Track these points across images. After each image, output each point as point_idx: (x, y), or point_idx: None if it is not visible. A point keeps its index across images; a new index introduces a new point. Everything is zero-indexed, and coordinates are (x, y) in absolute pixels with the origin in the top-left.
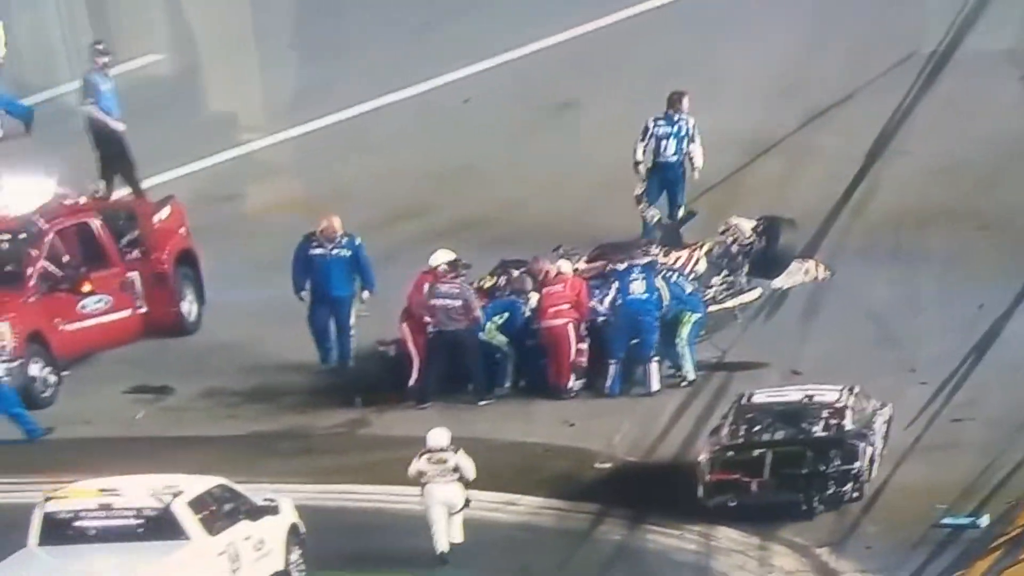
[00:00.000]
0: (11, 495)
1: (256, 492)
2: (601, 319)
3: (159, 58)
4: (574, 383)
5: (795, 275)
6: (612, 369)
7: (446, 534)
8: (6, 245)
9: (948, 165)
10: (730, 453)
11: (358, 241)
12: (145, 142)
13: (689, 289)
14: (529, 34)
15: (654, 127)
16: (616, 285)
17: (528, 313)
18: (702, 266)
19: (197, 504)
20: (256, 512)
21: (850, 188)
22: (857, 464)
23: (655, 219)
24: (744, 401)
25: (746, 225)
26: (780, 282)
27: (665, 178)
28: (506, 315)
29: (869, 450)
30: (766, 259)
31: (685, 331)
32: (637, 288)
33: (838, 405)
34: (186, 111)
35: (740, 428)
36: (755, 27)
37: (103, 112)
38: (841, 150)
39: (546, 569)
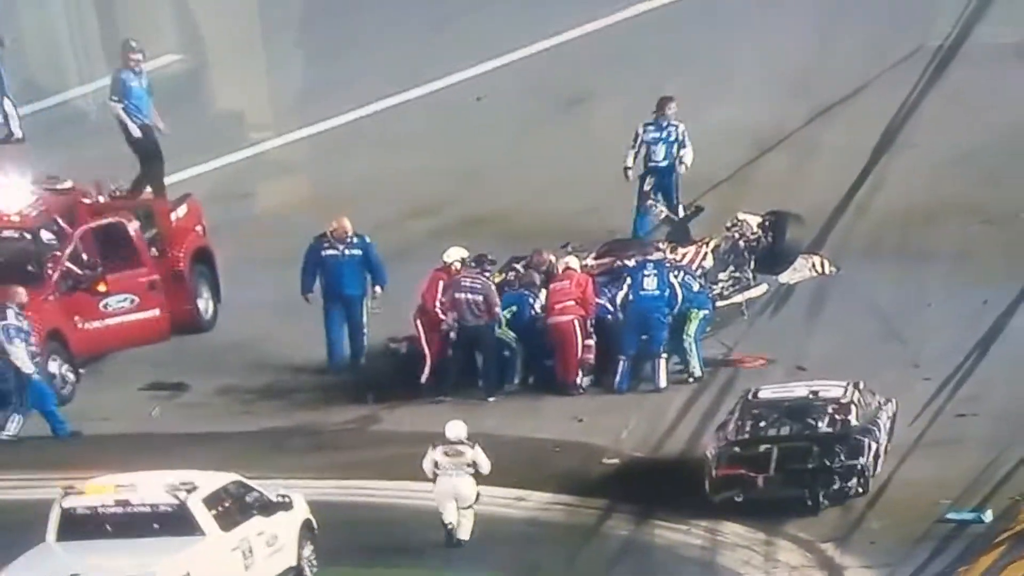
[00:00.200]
0: (30, 491)
1: (270, 488)
2: (610, 315)
3: (175, 58)
4: (582, 379)
5: (801, 271)
6: (622, 365)
7: (456, 518)
8: (26, 244)
9: (955, 159)
10: (736, 449)
11: (368, 240)
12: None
13: (696, 286)
14: (540, 31)
15: (644, 133)
16: (628, 281)
17: (536, 309)
18: (709, 262)
19: (212, 500)
20: (269, 508)
21: (856, 183)
22: (862, 459)
23: (662, 216)
24: (750, 397)
25: (753, 221)
26: (786, 277)
27: (657, 183)
28: (514, 309)
29: (874, 446)
30: (772, 255)
31: (692, 328)
32: (649, 284)
33: (843, 401)
34: (198, 111)
35: (746, 424)
36: (763, 23)
37: (133, 110)
38: (848, 145)
39: (554, 564)
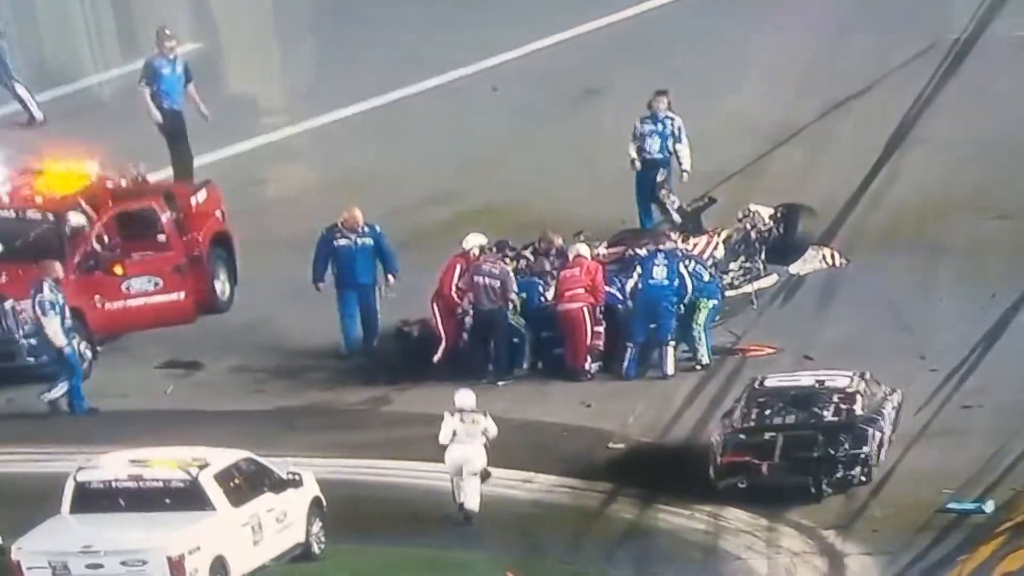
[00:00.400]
0: (47, 464)
1: (280, 466)
2: (620, 304)
3: (193, 47)
4: (591, 365)
5: (811, 262)
6: (629, 352)
7: (466, 490)
8: (49, 225)
9: (968, 154)
10: (742, 436)
11: (379, 229)
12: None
13: (707, 276)
14: (555, 23)
15: (641, 126)
16: (639, 270)
17: (545, 297)
18: (720, 252)
19: (223, 476)
20: (280, 485)
21: (869, 177)
22: (866, 449)
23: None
24: (757, 385)
25: (765, 212)
26: (796, 268)
27: (654, 176)
28: (523, 295)
29: (878, 435)
30: (783, 246)
31: (702, 316)
32: (659, 274)
33: (849, 390)
34: (214, 98)
35: (752, 412)
36: (777, 16)
37: (163, 95)
38: (862, 139)
39: (559, 545)
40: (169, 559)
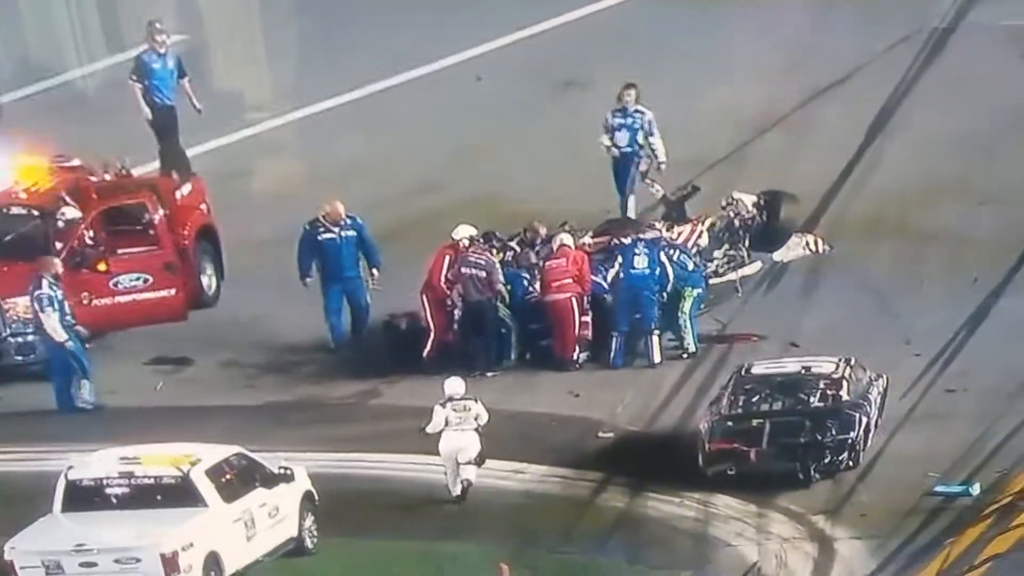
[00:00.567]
0: (36, 464)
1: (271, 460)
2: (606, 294)
3: (178, 38)
4: (579, 355)
5: (795, 249)
6: (615, 342)
7: (459, 479)
8: (34, 221)
9: (949, 140)
10: (729, 423)
11: (360, 221)
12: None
13: (691, 265)
14: (537, 13)
15: (612, 119)
16: (619, 260)
17: (533, 288)
18: (704, 240)
19: (214, 472)
20: (271, 480)
21: (851, 163)
22: (853, 434)
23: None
24: (743, 372)
25: (748, 200)
26: (780, 255)
27: (619, 167)
28: (508, 287)
29: (865, 420)
30: (767, 233)
31: (687, 305)
32: (639, 263)
33: (835, 376)
34: (199, 90)
35: (739, 399)
36: (759, 4)
37: (154, 90)
38: (844, 126)
39: (550, 535)
40: (162, 556)
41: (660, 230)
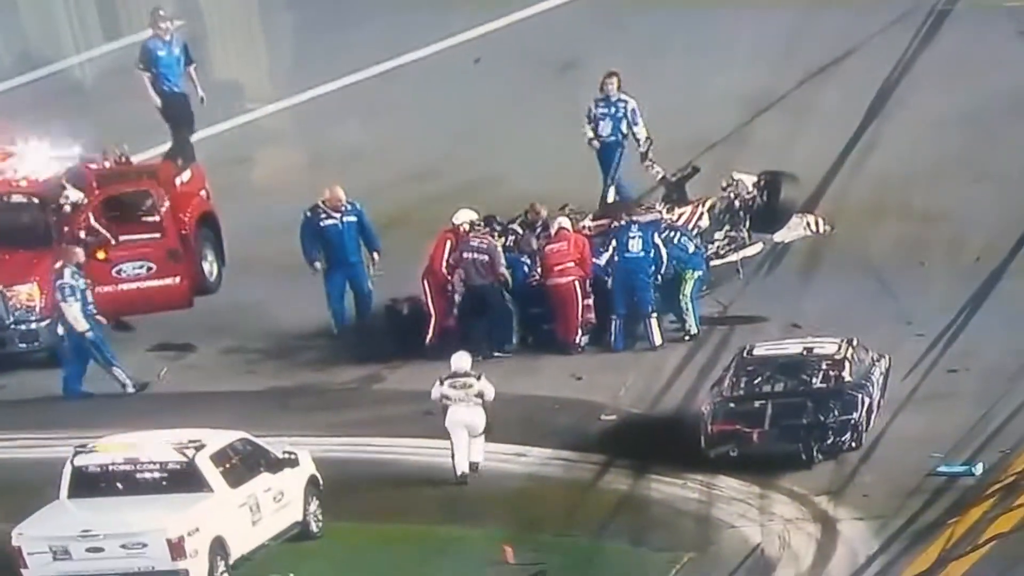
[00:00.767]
0: (43, 450)
1: (276, 445)
2: (606, 276)
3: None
4: (581, 339)
5: (796, 229)
6: (614, 325)
7: (466, 457)
8: (34, 209)
9: (947, 120)
10: (732, 404)
11: (359, 206)
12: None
13: (692, 247)
14: None
15: (595, 108)
16: (614, 243)
17: (535, 272)
18: (705, 222)
19: (219, 457)
20: (276, 464)
21: (851, 143)
22: (855, 414)
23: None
24: (745, 354)
25: (748, 180)
26: (781, 236)
27: (603, 156)
28: (509, 271)
29: (867, 401)
30: (767, 214)
31: (688, 287)
32: (634, 246)
33: (837, 357)
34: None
35: (741, 380)
36: None
37: (161, 78)
38: (842, 106)
39: (554, 518)
40: (169, 541)
41: (660, 212)
